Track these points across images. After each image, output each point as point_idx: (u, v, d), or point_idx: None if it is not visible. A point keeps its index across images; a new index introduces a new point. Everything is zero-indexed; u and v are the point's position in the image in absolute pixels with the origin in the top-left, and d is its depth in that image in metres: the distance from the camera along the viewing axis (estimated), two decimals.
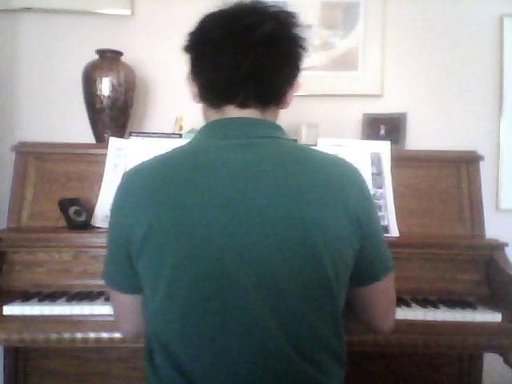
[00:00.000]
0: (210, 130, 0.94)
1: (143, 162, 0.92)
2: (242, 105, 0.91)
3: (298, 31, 0.93)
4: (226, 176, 0.84)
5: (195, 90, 0.96)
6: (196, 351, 0.84)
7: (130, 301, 0.96)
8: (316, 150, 0.95)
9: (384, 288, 0.97)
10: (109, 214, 0.93)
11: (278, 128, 0.95)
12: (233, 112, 0.92)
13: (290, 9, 0.93)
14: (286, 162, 0.87)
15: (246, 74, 0.88)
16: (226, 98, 0.92)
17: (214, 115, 0.94)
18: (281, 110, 0.98)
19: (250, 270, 0.81)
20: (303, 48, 0.94)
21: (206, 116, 0.98)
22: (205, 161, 0.86)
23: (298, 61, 0.94)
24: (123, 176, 0.93)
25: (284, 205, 0.83)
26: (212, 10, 0.93)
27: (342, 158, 0.95)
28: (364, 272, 0.93)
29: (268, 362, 0.83)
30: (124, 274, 0.92)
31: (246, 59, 0.87)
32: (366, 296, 0.96)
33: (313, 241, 0.83)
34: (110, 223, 0.93)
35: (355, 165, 0.95)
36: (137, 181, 0.89)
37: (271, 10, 0.91)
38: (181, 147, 0.92)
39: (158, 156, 0.92)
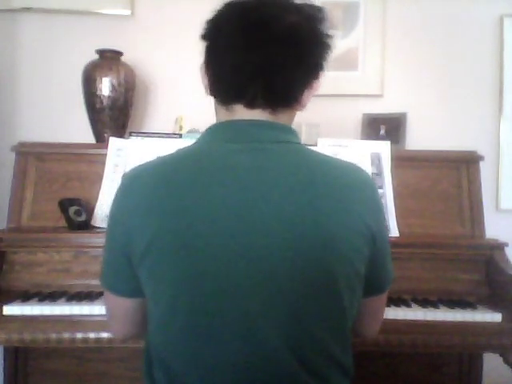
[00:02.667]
0: (217, 132, 0.88)
1: (144, 164, 0.87)
2: (251, 105, 0.85)
3: (323, 27, 0.86)
4: (234, 183, 0.79)
5: (206, 82, 0.90)
6: (196, 365, 0.81)
7: (125, 304, 0.92)
8: (330, 157, 0.89)
9: (381, 300, 0.97)
10: (109, 213, 0.91)
11: (291, 131, 0.89)
12: (241, 112, 0.86)
13: (317, 3, 0.87)
14: (297, 169, 0.82)
15: (254, 71, 0.82)
16: (233, 96, 0.86)
17: (224, 114, 0.88)
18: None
19: (258, 286, 0.77)
20: (327, 46, 0.87)
21: (216, 113, 0.92)
22: (211, 165, 0.81)
23: (319, 60, 0.87)
24: (123, 177, 0.87)
25: (294, 214, 0.78)
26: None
27: (355, 166, 0.89)
28: (369, 284, 0.89)
29: (271, 378, 0.80)
30: (122, 277, 0.88)
31: (257, 55, 0.81)
32: (363, 306, 0.91)
33: (325, 252, 0.79)
34: (108, 226, 0.88)
35: None
36: (137, 184, 0.83)
37: (295, 2, 0.85)
38: (185, 149, 0.87)
39: (160, 158, 0.87)
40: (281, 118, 0.88)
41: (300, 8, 0.85)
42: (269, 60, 0.82)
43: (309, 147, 0.89)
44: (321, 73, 0.89)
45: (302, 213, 0.78)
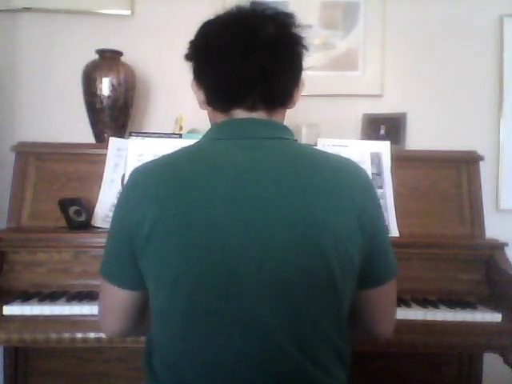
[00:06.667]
0: (216, 131, 0.94)
1: (149, 162, 0.92)
2: (251, 108, 0.92)
3: (298, 31, 0.93)
4: (230, 174, 0.84)
5: (201, 96, 0.96)
6: (194, 352, 0.83)
7: (122, 296, 0.94)
8: (321, 151, 0.95)
9: (387, 292, 0.97)
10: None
11: (285, 129, 0.95)
12: (241, 115, 0.93)
13: (288, 9, 0.93)
14: (291, 162, 0.87)
15: (251, 78, 0.89)
16: (233, 102, 0.92)
17: (222, 118, 0.94)
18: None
19: (254, 269, 0.81)
20: (305, 47, 0.94)
21: (213, 119, 0.98)
22: (209, 159, 0.87)
23: (301, 60, 0.95)
24: (129, 174, 0.92)
25: (289, 203, 0.83)
26: (211, 16, 0.93)
27: (346, 158, 0.94)
28: (369, 275, 0.92)
29: (269, 362, 0.81)
30: (124, 267, 0.91)
31: (251, 63, 0.88)
32: (369, 299, 0.95)
33: (318, 239, 0.82)
34: (113, 217, 0.92)
35: None
36: (142, 178, 0.89)
37: (270, 11, 0.92)
38: (187, 147, 0.92)
39: (163, 156, 0.92)
40: (275, 117, 0.95)
41: (275, 17, 0.91)
42: (262, 67, 0.88)
43: (302, 143, 0.94)
44: (302, 71, 0.96)
45: (295, 202, 0.83)
